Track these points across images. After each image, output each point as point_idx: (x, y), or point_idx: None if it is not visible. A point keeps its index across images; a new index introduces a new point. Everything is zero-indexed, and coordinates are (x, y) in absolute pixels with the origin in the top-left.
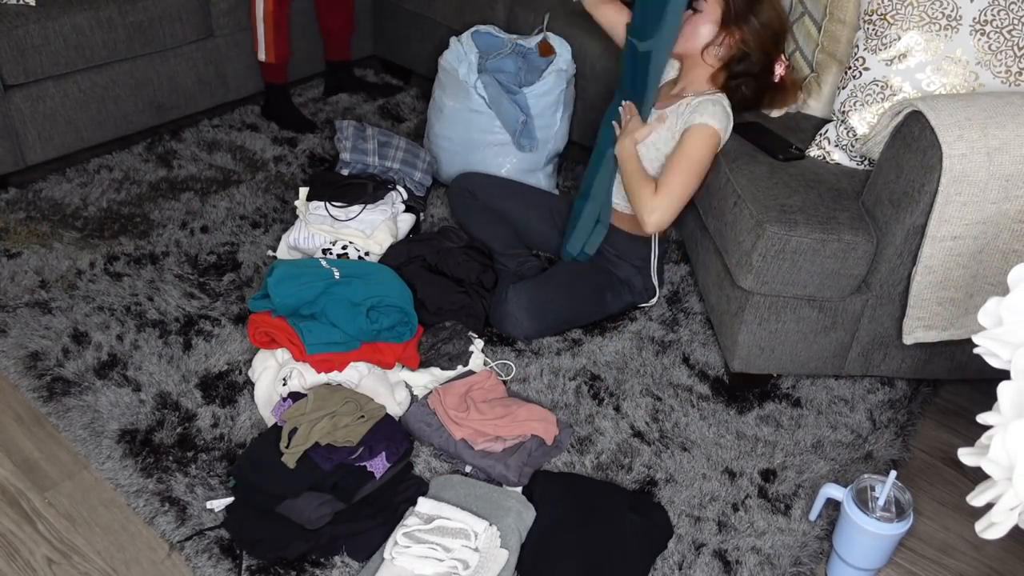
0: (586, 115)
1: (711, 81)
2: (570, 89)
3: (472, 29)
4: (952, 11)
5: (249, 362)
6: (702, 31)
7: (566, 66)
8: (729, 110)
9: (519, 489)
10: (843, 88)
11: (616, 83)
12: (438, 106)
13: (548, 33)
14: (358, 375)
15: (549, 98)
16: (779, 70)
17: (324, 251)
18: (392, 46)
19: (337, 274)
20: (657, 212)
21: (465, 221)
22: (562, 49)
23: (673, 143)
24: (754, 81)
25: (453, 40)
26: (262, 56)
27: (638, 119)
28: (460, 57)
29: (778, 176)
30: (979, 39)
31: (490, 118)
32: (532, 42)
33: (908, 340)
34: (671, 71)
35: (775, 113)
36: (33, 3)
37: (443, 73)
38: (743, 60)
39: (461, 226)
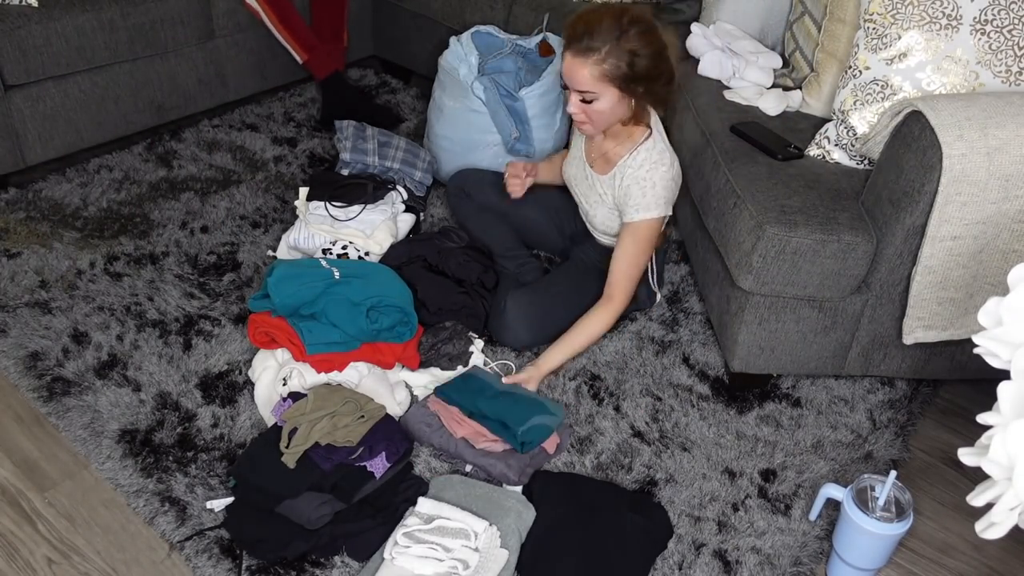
0: None
1: (632, 122)
2: None
3: (472, 29)
4: (952, 11)
5: (249, 362)
6: (608, 114)
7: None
8: (665, 167)
9: (519, 489)
10: (843, 87)
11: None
12: (438, 106)
13: (548, 33)
14: (358, 375)
15: (548, 98)
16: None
17: (324, 251)
18: (392, 46)
19: (337, 274)
20: (625, 305)
21: (465, 222)
22: (562, 49)
23: (613, 196)
24: (663, 94)
25: (453, 40)
26: (298, 59)
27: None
28: (460, 57)
29: (778, 176)
30: (979, 39)
31: (490, 119)
32: (532, 42)
33: (908, 340)
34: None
35: (772, 111)
36: (35, 4)
37: (443, 73)
38: (650, 102)
39: (461, 227)
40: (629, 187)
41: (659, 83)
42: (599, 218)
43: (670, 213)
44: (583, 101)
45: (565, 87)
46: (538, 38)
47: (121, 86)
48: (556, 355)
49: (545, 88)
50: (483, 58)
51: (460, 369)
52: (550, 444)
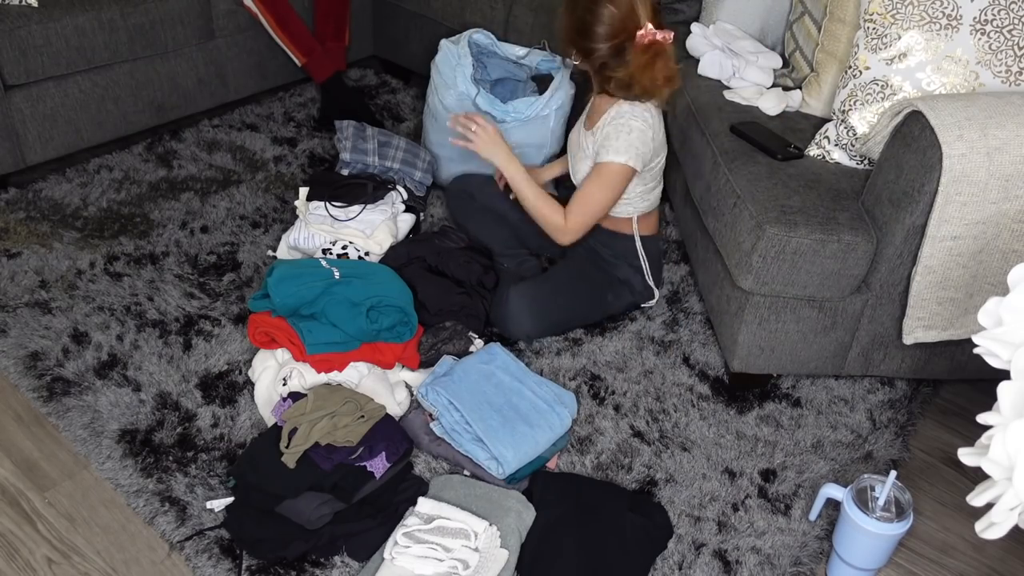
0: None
1: (601, 90)
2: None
3: (467, 33)
4: (952, 11)
5: (249, 362)
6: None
7: (563, 100)
8: (642, 121)
9: (519, 489)
10: (843, 87)
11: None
12: (432, 112)
13: (548, 53)
14: (358, 375)
15: (547, 115)
16: (644, 36)
17: (324, 251)
18: (392, 46)
19: (337, 274)
20: (570, 235)
21: (464, 222)
22: (563, 74)
23: (593, 146)
24: (619, 73)
25: (445, 44)
26: (297, 61)
27: (487, 129)
28: (452, 64)
29: (778, 176)
30: (979, 39)
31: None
32: (532, 59)
33: (908, 340)
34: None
35: (772, 111)
36: (35, 4)
37: (439, 79)
38: (600, 65)
39: (459, 227)
40: (608, 132)
41: (587, 40)
42: (580, 173)
43: (638, 168)
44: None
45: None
46: (538, 57)
47: (121, 86)
48: (518, 174)
49: (547, 109)
50: (478, 65)
51: None
52: (551, 461)
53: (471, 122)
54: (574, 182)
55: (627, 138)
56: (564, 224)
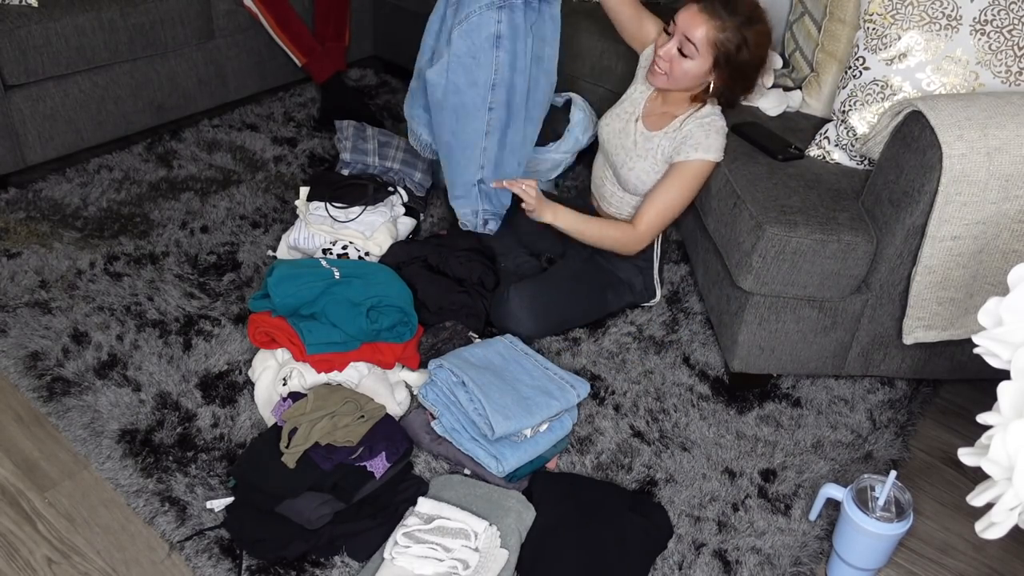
0: None
1: (693, 100)
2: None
3: None
4: (952, 11)
5: (249, 362)
6: (690, 76)
7: (581, 133)
8: (723, 122)
9: (519, 489)
10: (843, 88)
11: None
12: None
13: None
14: (358, 375)
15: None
16: (765, 81)
17: (324, 251)
18: (392, 46)
19: (337, 274)
20: (644, 241)
21: None
22: (578, 112)
23: (668, 145)
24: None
25: None
26: (297, 62)
27: (539, 197)
28: None
29: (778, 176)
30: (979, 39)
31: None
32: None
33: (908, 340)
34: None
35: (772, 111)
36: (35, 4)
37: None
38: (724, 92)
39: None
40: (692, 130)
41: (740, 83)
42: (636, 172)
43: (721, 160)
44: (680, 52)
45: (667, 31)
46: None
47: (121, 86)
48: (571, 217)
49: (568, 147)
50: None
51: None
52: (551, 462)
53: (515, 186)
54: (618, 181)
55: (716, 137)
56: (636, 232)
